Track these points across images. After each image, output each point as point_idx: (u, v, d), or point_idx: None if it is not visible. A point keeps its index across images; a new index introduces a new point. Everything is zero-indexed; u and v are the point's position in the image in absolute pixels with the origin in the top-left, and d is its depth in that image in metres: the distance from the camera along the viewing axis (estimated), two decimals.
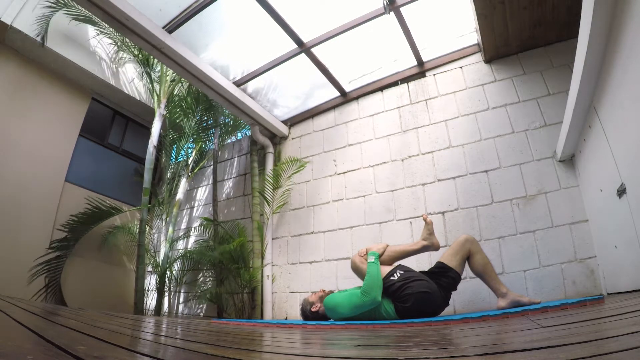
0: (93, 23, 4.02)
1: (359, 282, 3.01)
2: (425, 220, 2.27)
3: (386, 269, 2.12)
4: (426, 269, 2.23)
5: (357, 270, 2.21)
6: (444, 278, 2.09)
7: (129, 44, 4.41)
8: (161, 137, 4.55)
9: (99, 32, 4.27)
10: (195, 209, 4.68)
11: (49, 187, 3.98)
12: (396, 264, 2.24)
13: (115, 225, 4.34)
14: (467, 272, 2.28)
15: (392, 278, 2.07)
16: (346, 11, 2.93)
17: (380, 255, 2.20)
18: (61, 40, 4.00)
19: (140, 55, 4.44)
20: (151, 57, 4.19)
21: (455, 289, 2.14)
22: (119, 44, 4.46)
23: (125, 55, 4.71)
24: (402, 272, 2.10)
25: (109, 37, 4.36)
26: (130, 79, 4.84)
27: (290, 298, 3.39)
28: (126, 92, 4.73)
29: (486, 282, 2.09)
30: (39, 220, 3.81)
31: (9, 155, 3.65)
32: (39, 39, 3.75)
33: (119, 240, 4.41)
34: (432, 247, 2.24)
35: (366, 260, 2.16)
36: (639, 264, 1.65)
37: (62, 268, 3.75)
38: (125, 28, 2.67)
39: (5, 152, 3.62)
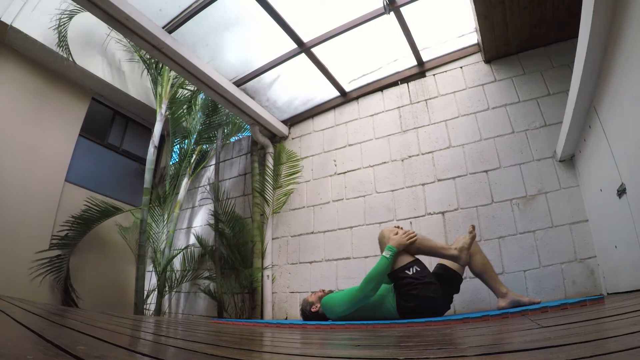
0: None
1: (358, 283, 3.02)
2: (471, 232, 2.07)
3: (405, 259, 2.02)
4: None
5: (381, 242, 2.14)
6: (448, 281, 2.08)
7: (133, 46, 4.42)
8: (162, 137, 4.55)
9: (109, 33, 4.28)
10: (196, 208, 4.68)
11: (49, 187, 3.98)
12: (417, 256, 2.11)
13: (115, 225, 4.34)
14: (467, 272, 2.28)
15: (406, 271, 1.99)
16: (346, 11, 2.93)
17: (400, 250, 2.05)
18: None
19: (145, 57, 4.45)
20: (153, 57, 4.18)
21: (458, 291, 2.14)
22: (127, 46, 4.49)
23: (128, 56, 4.72)
24: (419, 269, 2.01)
25: (119, 41, 4.39)
26: (131, 79, 4.84)
27: (290, 298, 3.39)
28: (126, 92, 4.72)
29: (486, 282, 2.09)
30: (39, 220, 3.80)
31: (8, 154, 3.65)
32: (63, 53, 3.84)
33: (119, 240, 4.41)
34: (460, 261, 2.05)
35: (390, 241, 2.05)
36: (639, 264, 1.65)
37: (66, 268, 3.75)
38: (125, 28, 2.67)
39: (4, 152, 3.62)
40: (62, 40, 3.77)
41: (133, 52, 4.62)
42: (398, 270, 2.01)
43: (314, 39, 3.11)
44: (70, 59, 3.93)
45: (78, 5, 3.55)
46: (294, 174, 3.78)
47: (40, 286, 3.56)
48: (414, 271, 2.00)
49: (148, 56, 4.42)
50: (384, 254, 2.04)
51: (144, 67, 4.56)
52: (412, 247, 2.07)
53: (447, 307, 2.08)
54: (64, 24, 3.77)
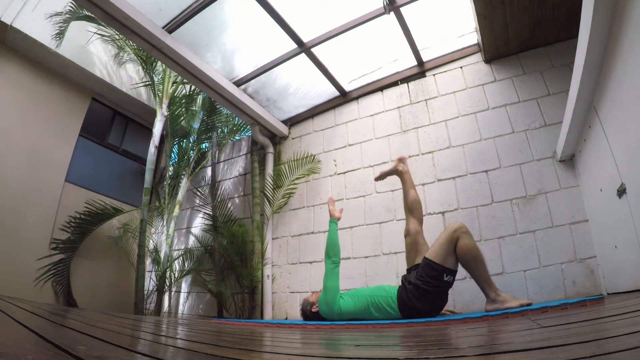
0: (95, 22, 4.06)
1: (357, 285, 3.02)
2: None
3: (451, 263, 1.92)
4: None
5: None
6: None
7: (132, 45, 4.42)
8: (162, 137, 4.55)
9: (99, 36, 4.29)
10: (195, 208, 4.67)
11: (49, 187, 3.97)
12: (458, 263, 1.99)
13: (115, 225, 4.33)
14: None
15: (444, 275, 1.91)
16: (346, 11, 2.93)
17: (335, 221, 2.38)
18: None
19: (143, 56, 4.45)
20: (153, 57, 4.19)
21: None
22: (120, 45, 4.48)
23: (127, 57, 4.72)
24: (451, 281, 1.95)
25: (108, 41, 4.40)
26: (131, 79, 4.84)
27: (290, 298, 3.39)
28: (126, 92, 4.72)
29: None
30: (39, 220, 3.80)
31: (8, 155, 3.65)
32: (58, 50, 3.86)
33: (119, 241, 4.41)
34: (488, 300, 1.92)
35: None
36: (639, 264, 1.65)
37: (69, 270, 3.75)
38: (125, 28, 2.67)
39: (5, 152, 3.62)
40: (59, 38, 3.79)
41: (132, 52, 4.62)
42: (439, 267, 1.91)
43: (314, 39, 3.11)
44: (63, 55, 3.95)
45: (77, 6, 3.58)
46: (307, 174, 3.73)
47: (41, 287, 3.56)
48: (448, 279, 1.93)
49: (146, 56, 4.42)
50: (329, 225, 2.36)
51: (142, 66, 4.57)
52: (468, 256, 1.90)
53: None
54: (64, 25, 3.78)
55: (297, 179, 3.72)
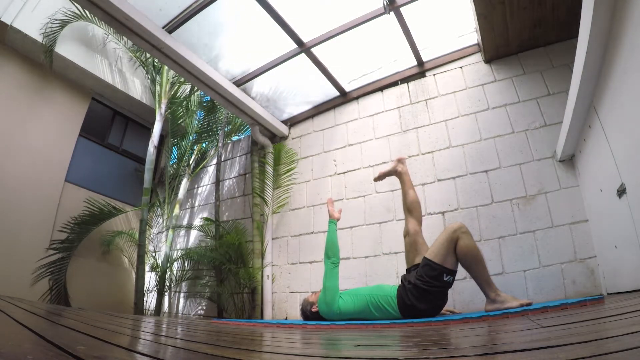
0: (108, 29, 4.08)
1: (357, 284, 3.02)
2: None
3: (451, 263, 1.91)
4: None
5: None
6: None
7: (134, 48, 4.44)
8: (162, 137, 4.55)
9: (108, 35, 4.31)
10: (195, 208, 4.68)
11: (49, 187, 3.98)
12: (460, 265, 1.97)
13: (115, 226, 4.34)
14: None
15: (444, 275, 1.90)
16: (346, 11, 2.94)
17: (333, 222, 2.37)
18: (61, 40, 3.99)
19: (143, 57, 4.46)
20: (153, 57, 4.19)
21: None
22: (130, 49, 4.51)
23: (127, 56, 4.73)
24: (451, 281, 1.94)
25: (117, 43, 4.42)
26: (130, 79, 4.84)
27: (290, 298, 3.39)
28: (126, 92, 4.72)
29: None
30: (39, 220, 3.81)
31: (8, 155, 3.65)
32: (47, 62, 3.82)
33: (119, 241, 4.41)
34: (488, 300, 1.92)
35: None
36: (639, 264, 1.65)
37: (66, 270, 3.75)
38: (125, 28, 2.67)
39: (5, 152, 3.62)
40: (49, 51, 3.75)
41: (130, 53, 4.63)
42: (438, 267, 1.90)
43: (314, 39, 3.11)
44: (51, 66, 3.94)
45: (71, 14, 3.60)
46: (290, 170, 3.78)
47: (40, 287, 3.56)
48: (448, 279, 1.92)
49: (145, 57, 4.43)
50: (329, 225, 2.37)
51: (142, 66, 4.57)
52: (468, 256, 1.89)
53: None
54: (55, 32, 3.77)
55: (286, 172, 3.74)
